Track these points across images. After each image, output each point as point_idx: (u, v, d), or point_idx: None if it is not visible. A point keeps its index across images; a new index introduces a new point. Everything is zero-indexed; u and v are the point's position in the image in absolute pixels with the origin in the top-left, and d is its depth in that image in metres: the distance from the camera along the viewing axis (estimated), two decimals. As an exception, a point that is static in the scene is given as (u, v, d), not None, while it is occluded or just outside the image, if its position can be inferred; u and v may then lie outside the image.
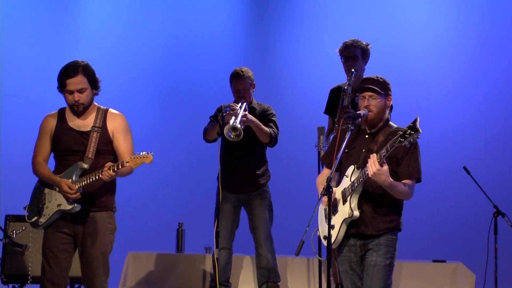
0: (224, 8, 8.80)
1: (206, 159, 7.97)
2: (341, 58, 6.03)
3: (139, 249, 7.17)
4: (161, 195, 8.35)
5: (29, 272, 6.14)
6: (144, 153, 4.59)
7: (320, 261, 6.11)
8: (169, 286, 6.84)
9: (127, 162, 4.58)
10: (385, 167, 4.17)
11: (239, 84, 6.26)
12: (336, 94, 6.17)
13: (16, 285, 6.37)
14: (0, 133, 8.08)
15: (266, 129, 6.20)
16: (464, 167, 6.36)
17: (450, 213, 7.89)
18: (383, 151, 4.15)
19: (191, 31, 8.71)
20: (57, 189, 4.74)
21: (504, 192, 7.42)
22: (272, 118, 6.32)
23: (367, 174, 4.18)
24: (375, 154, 4.17)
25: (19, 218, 6.35)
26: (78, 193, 4.66)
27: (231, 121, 5.87)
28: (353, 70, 5.86)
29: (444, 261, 6.71)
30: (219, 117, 5.97)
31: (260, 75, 8.44)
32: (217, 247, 5.79)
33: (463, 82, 8.15)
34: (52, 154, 4.90)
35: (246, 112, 6.05)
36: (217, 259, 5.82)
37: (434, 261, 6.75)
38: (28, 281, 6.16)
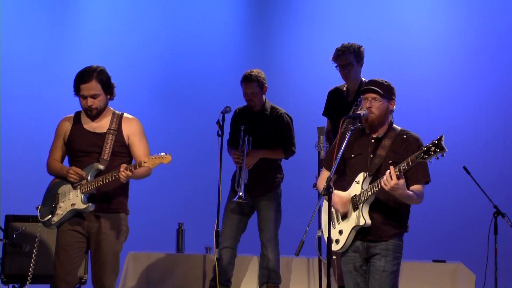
0: (224, 8, 8.79)
1: (206, 159, 7.97)
2: (335, 65, 6.01)
3: (139, 249, 7.16)
4: (161, 195, 8.35)
5: (30, 272, 6.14)
6: (162, 153, 4.65)
7: (320, 261, 6.11)
8: (169, 286, 6.84)
9: (145, 162, 4.64)
10: (402, 180, 4.12)
11: (247, 87, 6.27)
12: (334, 95, 6.16)
13: (16, 285, 6.37)
14: (0, 133, 8.08)
15: (276, 152, 6.31)
16: (464, 167, 6.36)
17: (450, 213, 7.89)
18: (403, 165, 4.11)
19: (191, 31, 8.71)
20: (68, 187, 4.79)
21: (504, 192, 7.42)
22: (285, 135, 6.34)
23: (382, 185, 4.14)
24: (392, 167, 4.13)
25: (19, 218, 6.34)
26: (77, 177, 4.72)
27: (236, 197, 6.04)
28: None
29: (444, 261, 6.71)
30: (220, 118, 6.01)
31: (260, 75, 8.46)
32: (217, 247, 5.79)
33: (463, 82, 8.15)
34: (67, 158, 4.95)
35: (247, 167, 6.15)
36: (217, 259, 5.83)
37: (434, 261, 6.75)
38: (28, 282, 6.15)
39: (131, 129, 4.92)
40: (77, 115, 4.95)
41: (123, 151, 4.88)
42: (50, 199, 4.87)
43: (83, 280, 6.22)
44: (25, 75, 8.44)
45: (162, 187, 8.33)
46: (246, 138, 6.17)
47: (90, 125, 4.88)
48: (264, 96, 6.38)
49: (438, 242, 7.76)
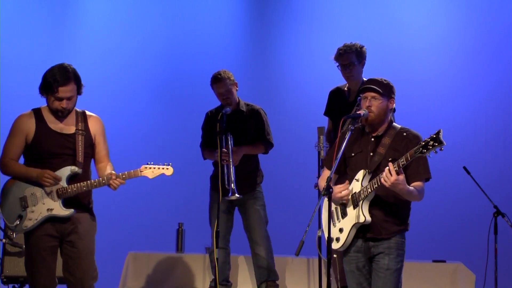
0: (224, 8, 8.79)
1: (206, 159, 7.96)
2: (337, 65, 6.00)
3: (139, 249, 7.16)
4: (161, 195, 8.35)
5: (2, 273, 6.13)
6: (165, 165, 4.64)
7: (320, 261, 6.11)
8: (169, 286, 6.84)
9: (141, 171, 4.58)
10: (402, 176, 4.14)
11: (220, 87, 6.24)
12: (335, 95, 6.16)
13: (16, 285, 6.37)
14: (0, 133, 8.07)
15: (258, 148, 6.29)
16: (464, 167, 6.36)
17: (450, 213, 7.89)
18: (402, 160, 4.12)
19: (191, 31, 8.71)
20: (38, 190, 4.64)
21: (504, 192, 7.41)
22: (263, 130, 6.31)
23: (382, 182, 4.15)
24: (391, 164, 4.14)
25: (19, 218, 6.33)
26: (53, 182, 4.58)
27: (227, 196, 5.95)
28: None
29: (444, 261, 6.71)
30: (219, 117, 6.00)
31: (260, 75, 8.47)
32: (217, 247, 5.79)
33: (463, 82, 8.15)
34: (24, 158, 4.77)
35: (233, 165, 6.10)
36: (217, 259, 5.83)
37: (434, 261, 6.74)
38: (3, 280, 6.14)
39: (97, 128, 4.80)
40: (38, 113, 4.76)
41: (91, 151, 4.76)
42: (15, 202, 4.67)
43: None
44: (25, 75, 8.43)
45: (162, 187, 8.33)
46: (229, 136, 6.16)
47: (56, 126, 4.71)
48: (236, 94, 6.34)
49: (438, 242, 7.76)
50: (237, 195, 5.98)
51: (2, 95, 8.27)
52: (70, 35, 8.65)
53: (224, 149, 6.13)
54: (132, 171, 4.62)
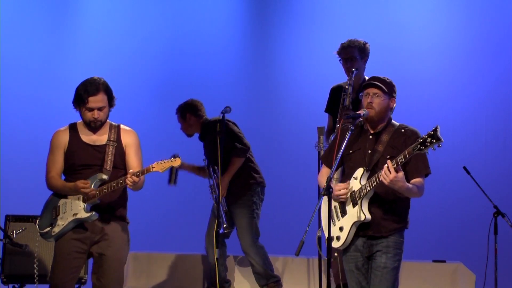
0: (224, 8, 8.80)
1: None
2: (339, 59, 6.01)
3: (139, 249, 7.16)
4: (161, 195, 8.34)
5: (35, 271, 6.14)
6: (172, 158, 4.69)
7: (320, 261, 6.10)
8: (169, 286, 6.84)
9: (153, 167, 4.65)
10: (401, 173, 4.13)
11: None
12: (336, 92, 6.16)
13: (16, 285, 6.37)
14: (0, 133, 8.08)
15: (234, 164, 6.27)
16: (464, 167, 6.36)
17: (450, 213, 7.89)
18: (400, 158, 4.12)
19: (191, 31, 8.71)
20: (69, 198, 4.74)
21: (504, 192, 7.41)
22: (226, 140, 6.18)
23: (381, 180, 4.15)
24: (389, 161, 4.14)
25: (19, 218, 6.35)
26: (93, 189, 4.67)
27: (221, 228, 6.01)
28: (354, 69, 5.82)
29: (444, 261, 6.71)
30: (220, 117, 6.01)
31: (261, 75, 8.47)
32: (217, 247, 5.80)
33: (463, 82, 8.16)
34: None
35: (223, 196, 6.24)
36: (217, 259, 5.83)
37: (434, 261, 6.75)
38: (36, 281, 6.15)
39: (128, 140, 4.89)
40: (73, 128, 4.88)
41: (122, 163, 4.85)
42: (50, 211, 4.81)
43: (82, 281, 6.22)
44: (25, 75, 8.44)
45: (162, 187, 8.33)
46: (211, 169, 6.21)
47: (89, 138, 4.83)
48: (196, 121, 6.58)
49: (438, 242, 7.76)
50: (225, 226, 6.04)
51: (2, 95, 8.27)
52: (70, 35, 8.65)
53: (213, 186, 6.27)
54: (144, 168, 4.71)
